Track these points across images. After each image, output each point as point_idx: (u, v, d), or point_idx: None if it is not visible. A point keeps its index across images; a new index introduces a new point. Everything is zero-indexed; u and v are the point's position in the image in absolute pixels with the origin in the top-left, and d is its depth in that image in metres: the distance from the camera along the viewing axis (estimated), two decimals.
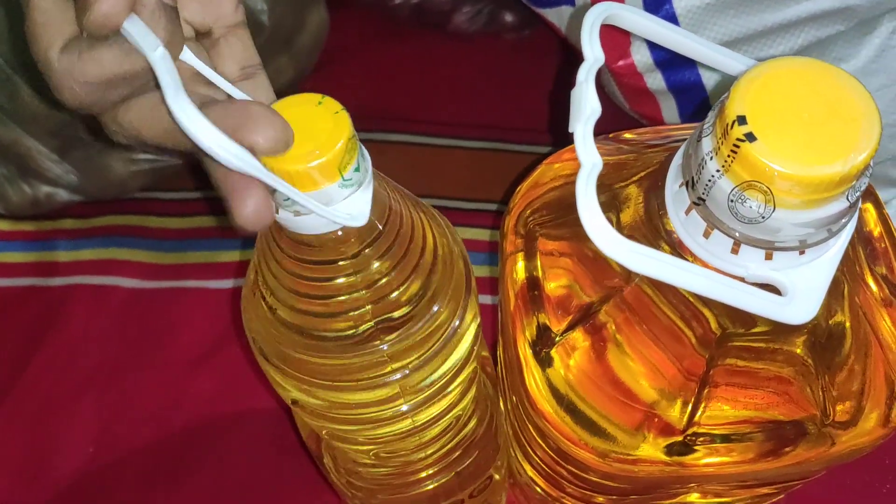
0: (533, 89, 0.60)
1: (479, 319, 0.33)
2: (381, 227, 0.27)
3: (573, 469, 0.33)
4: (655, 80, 0.49)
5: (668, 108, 0.51)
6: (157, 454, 0.47)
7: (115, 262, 0.54)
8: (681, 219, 0.26)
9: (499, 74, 0.62)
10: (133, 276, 0.53)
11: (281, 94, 0.26)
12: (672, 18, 0.46)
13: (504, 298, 0.33)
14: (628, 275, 0.28)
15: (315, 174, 0.23)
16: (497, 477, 0.42)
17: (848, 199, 0.23)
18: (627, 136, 0.34)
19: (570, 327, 0.30)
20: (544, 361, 0.30)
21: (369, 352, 0.29)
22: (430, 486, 0.38)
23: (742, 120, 0.22)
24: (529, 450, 0.36)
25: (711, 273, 0.24)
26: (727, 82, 0.24)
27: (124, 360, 0.50)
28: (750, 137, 0.22)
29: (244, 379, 0.49)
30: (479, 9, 0.62)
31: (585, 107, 0.25)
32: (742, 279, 0.25)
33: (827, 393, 0.29)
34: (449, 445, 0.37)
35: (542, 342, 0.30)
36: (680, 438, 0.29)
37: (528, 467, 0.39)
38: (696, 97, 0.49)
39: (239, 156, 0.22)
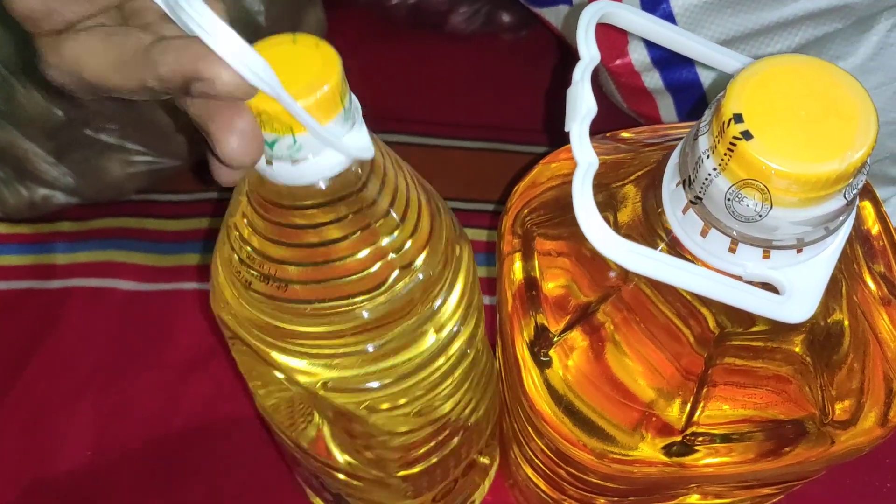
0: (530, 89, 0.60)
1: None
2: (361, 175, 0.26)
3: (572, 470, 0.33)
4: (653, 79, 0.49)
5: (666, 107, 0.51)
6: (154, 456, 0.47)
7: (113, 265, 0.53)
8: (678, 218, 0.25)
9: (496, 75, 0.62)
10: (131, 279, 0.53)
11: None
12: (669, 17, 0.46)
13: (502, 299, 0.33)
14: (626, 274, 0.28)
15: (322, 106, 0.22)
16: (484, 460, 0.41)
17: (845, 196, 0.23)
18: (625, 134, 0.34)
19: (568, 327, 0.30)
20: (542, 362, 0.30)
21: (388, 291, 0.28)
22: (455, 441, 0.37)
23: (738, 118, 0.22)
24: (529, 451, 0.36)
25: (709, 272, 0.24)
26: (724, 81, 0.24)
27: (122, 362, 0.50)
28: (746, 135, 0.22)
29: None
30: (476, 9, 0.61)
31: (581, 106, 0.24)
32: (740, 278, 0.25)
33: (826, 392, 0.29)
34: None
35: (540, 343, 0.30)
36: (679, 438, 0.29)
37: (527, 469, 0.39)
38: (694, 96, 0.49)
39: (258, 70, 0.20)
